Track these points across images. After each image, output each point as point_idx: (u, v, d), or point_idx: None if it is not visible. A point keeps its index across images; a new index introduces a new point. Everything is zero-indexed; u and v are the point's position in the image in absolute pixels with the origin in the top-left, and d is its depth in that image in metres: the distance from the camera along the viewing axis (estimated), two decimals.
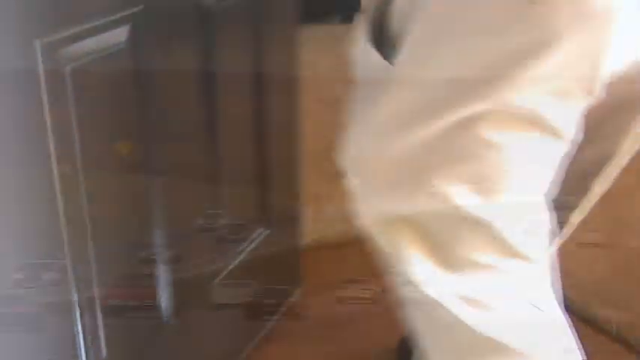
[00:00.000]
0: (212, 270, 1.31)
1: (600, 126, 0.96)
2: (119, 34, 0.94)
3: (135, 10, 0.95)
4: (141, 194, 1.07)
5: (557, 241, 1.10)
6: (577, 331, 0.98)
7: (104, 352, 1.06)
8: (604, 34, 0.76)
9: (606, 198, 1.97)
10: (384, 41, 0.83)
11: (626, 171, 2.16)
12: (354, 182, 0.88)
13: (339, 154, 0.89)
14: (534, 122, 0.79)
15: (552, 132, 0.81)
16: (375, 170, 0.86)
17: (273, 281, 1.51)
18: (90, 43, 0.89)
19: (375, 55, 0.83)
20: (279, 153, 1.44)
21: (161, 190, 1.10)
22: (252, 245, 1.42)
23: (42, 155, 0.87)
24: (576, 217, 1.14)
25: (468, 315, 0.88)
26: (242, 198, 1.37)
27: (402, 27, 0.79)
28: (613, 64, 0.80)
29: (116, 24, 0.94)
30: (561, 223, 1.08)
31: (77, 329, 1.01)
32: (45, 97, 0.84)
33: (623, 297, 1.78)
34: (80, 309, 1.00)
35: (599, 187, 1.11)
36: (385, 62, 0.82)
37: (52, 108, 0.85)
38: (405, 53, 0.79)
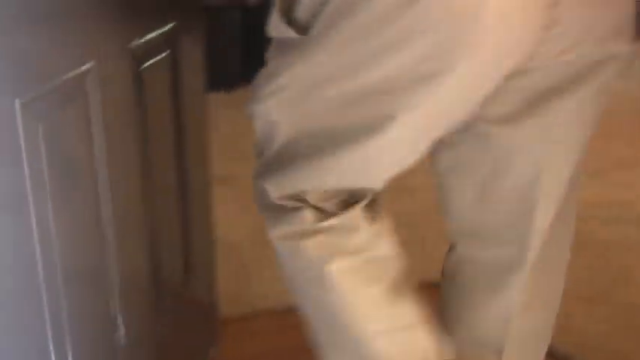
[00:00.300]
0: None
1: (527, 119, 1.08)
2: (75, 93, 1.08)
3: (86, 71, 1.09)
4: (97, 240, 1.18)
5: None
6: None
7: None
8: (468, 30, 0.91)
9: (605, 251, 2.07)
10: (294, 20, 1.05)
11: (625, 223, 2.27)
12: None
13: (248, 105, 1.14)
14: None
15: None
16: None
17: (192, 338, 1.62)
18: (57, 100, 1.02)
19: (288, 31, 1.05)
20: (197, 213, 1.58)
21: (111, 237, 1.20)
22: (176, 302, 1.53)
23: (20, 202, 0.97)
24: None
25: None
26: (166, 248, 1.47)
27: (313, 9, 1.01)
28: (507, 57, 0.96)
29: (72, 83, 1.07)
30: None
31: None
32: (23, 149, 0.95)
33: (624, 354, 1.75)
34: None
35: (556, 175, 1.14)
36: (297, 35, 1.04)
37: (28, 158, 0.97)
38: (316, 30, 1.01)
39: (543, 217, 1.16)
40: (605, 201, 2.44)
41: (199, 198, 1.60)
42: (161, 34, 1.33)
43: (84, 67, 1.07)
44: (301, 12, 1.03)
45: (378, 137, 1.02)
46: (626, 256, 2.13)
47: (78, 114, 1.08)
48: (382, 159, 1.07)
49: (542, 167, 1.12)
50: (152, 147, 1.33)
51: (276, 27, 1.08)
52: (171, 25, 1.36)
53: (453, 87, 0.97)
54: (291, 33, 1.05)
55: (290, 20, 1.06)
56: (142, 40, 1.27)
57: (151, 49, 1.31)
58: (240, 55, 3.68)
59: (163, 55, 1.36)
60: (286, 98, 1.08)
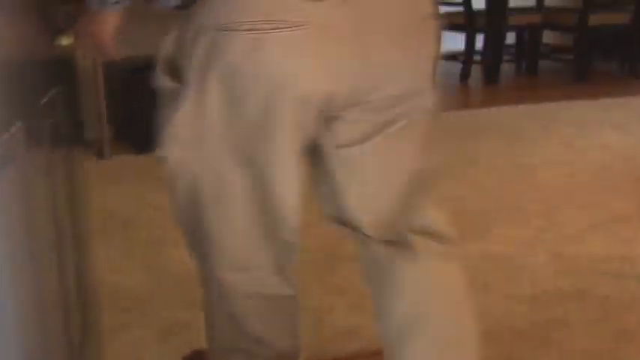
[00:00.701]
0: None
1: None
2: (10, 153, 1.08)
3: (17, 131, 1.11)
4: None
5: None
6: None
7: None
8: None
9: (607, 308, 2.06)
10: (174, 71, 1.26)
11: (625, 277, 2.27)
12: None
13: (159, 148, 1.29)
14: None
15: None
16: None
17: None
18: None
19: (169, 83, 1.27)
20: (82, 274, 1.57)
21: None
22: None
23: None
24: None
25: None
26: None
27: (185, 63, 1.23)
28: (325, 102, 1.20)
29: (8, 144, 1.07)
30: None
31: None
32: None
33: None
34: None
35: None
36: (177, 86, 1.24)
37: None
38: (189, 79, 1.22)
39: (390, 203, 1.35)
40: (605, 255, 2.45)
41: (83, 261, 1.59)
42: (51, 98, 1.37)
43: (15, 127, 1.10)
44: (178, 60, 1.25)
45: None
46: (626, 312, 2.13)
47: (15, 172, 1.09)
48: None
49: (386, 170, 1.33)
50: (58, 205, 1.35)
51: (159, 79, 1.30)
52: (56, 89, 1.40)
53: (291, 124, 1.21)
54: (171, 83, 1.26)
55: (171, 72, 1.27)
56: (43, 102, 1.30)
57: (46, 110, 1.35)
58: None
59: (55, 116, 1.42)
60: (179, 141, 1.26)
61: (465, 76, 5.47)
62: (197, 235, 1.35)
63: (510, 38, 5.75)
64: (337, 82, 1.19)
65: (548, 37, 5.96)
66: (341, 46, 1.17)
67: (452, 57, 5.69)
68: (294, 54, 1.15)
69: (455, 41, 5.76)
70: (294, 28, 1.14)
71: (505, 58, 5.54)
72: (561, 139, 3.84)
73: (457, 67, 5.58)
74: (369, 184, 1.33)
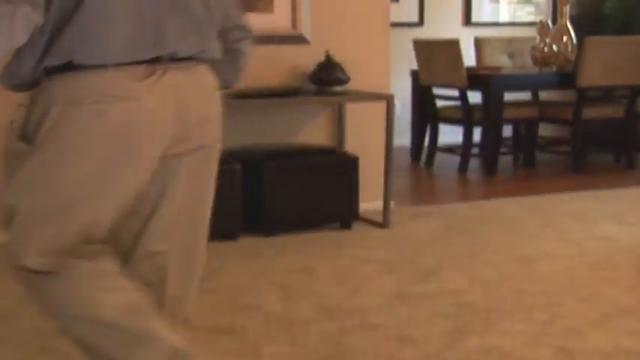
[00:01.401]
0: None
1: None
2: None
3: None
4: None
5: None
6: None
7: None
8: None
9: None
10: (25, 135, 1.55)
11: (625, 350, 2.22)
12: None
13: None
14: None
15: None
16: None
17: None
18: None
19: (20, 145, 1.54)
20: None
21: None
22: None
23: None
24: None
25: None
26: None
27: (36, 125, 1.54)
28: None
29: None
30: None
31: None
32: None
33: None
34: None
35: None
36: (27, 147, 1.53)
37: None
38: (38, 140, 1.55)
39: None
40: (609, 350, 2.43)
41: None
42: None
43: None
44: (29, 127, 1.53)
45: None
46: None
47: None
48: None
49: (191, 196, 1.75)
50: None
51: (11, 141, 1.55)
52: None
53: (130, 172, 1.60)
54: (22, 145, 1.53)
55: (23, 136, 1.54)
56: None
57: None
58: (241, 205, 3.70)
59: None
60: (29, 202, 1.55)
61: (463, 168, 5.53)
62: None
63: (507, 131, 5.85)
64: (166, 133, 1.59)
65: (544, 130, 6.06)
66: (164, 108, 1.58)
67: (450, 150, 5.78)
68: (131, 118, 1.54)
69: (453, 134, 5.85)
70: (128, 101, 1.54)
71: (502, 150, 5.61)
72: (560, 230, 3.86)
73: (455, 160, 5.65)
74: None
